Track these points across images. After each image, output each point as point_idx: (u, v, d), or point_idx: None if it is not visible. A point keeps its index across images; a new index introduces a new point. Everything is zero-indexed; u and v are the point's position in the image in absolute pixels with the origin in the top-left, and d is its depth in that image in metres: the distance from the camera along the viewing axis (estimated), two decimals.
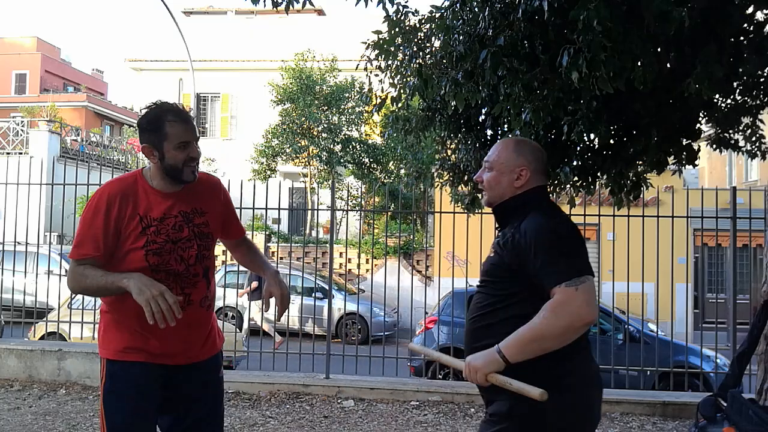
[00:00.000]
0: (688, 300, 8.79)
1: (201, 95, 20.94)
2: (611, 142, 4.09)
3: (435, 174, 6.03)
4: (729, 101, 4.17)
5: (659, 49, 3.38)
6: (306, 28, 20.41)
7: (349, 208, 13.97)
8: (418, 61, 4.01)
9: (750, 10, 3.48)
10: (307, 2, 3.66)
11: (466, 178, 4.90)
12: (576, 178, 4.47)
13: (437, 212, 7.50)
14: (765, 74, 3.88)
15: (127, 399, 2.12)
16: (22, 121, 18.12)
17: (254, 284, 10.48)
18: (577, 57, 2.83)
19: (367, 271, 14.64)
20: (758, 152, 4.79)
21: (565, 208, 2.99)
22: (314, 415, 5.01)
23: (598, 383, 1.99)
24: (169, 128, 2.10)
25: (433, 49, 4.06)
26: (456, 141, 4.89)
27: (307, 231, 17.60)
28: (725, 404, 2.38)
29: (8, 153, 16.46)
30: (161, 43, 21.30)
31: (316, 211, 13.27)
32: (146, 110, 2.16)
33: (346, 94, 17.45)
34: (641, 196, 4.72)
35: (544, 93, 3.34)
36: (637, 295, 6.97)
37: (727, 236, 5.98)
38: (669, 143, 4.12)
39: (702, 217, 5.79)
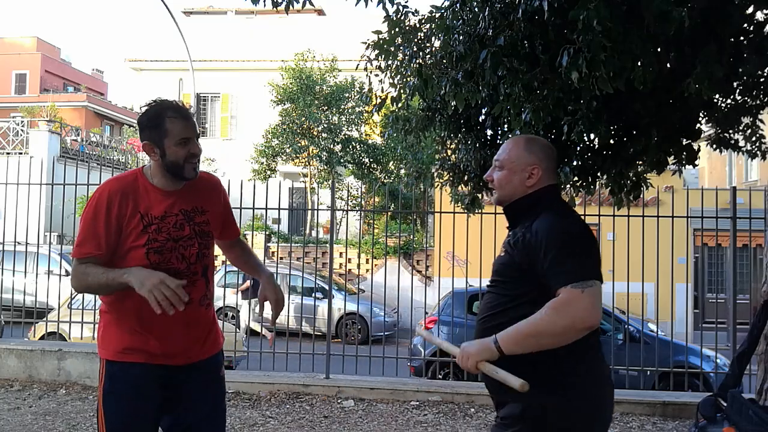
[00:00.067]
0: (688, 300, 8.80)
1: (201, 95, 20.95)
2: (611, 142, 4.09)
3: (435, 174, 6.03)
4: (729, 101, 4.17)
5: (659, 49, 3.38)
6: (306, 28, 20.41)
7: (349, 208, 13.97)
8: (418, 61, 4.01)
9: (750, 10, 3.48)
10: (307, 2, 3.66)
11: (466, 178, 4.90)
12: (576, 178, 4.47)
13: (437, 212, 7.50)
14: (765, 74, 3.88)
15: (126, 400, 2.12)
16: (22, 121, 18.12)
17: (247, 283, 10.49)
18: (577, 57, 2.84)
19: (367, 271, 14.64)
20: (758, 152, 4.79)
21: None
22: (314, 415, 5.01)
23: (610, 383, 1.97)
24: (170, 125, 2.10)
25: (433, 49, 4.06)
26: (456, 141, 4.89)
27: (307, 231, 17.60)
28: (725, 404, 2.38)
29: (8, 153, 16.46)
30: (161, 43, 21.30)
31: (316, 211, 13.28)
32: (146, 107, 2.16)
33: (346, 94, 17.45)
34: (641, 196, 4.72)
35: (544, 93, 3.35)
36: (637, 295, 6.97)
37: (727, 236, 5.97)
38: (669, 143, 4.12)
39: (702, 217, 5.79)
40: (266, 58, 20.45)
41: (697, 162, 4.39)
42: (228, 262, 11.33)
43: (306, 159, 17.60)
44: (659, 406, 5.24)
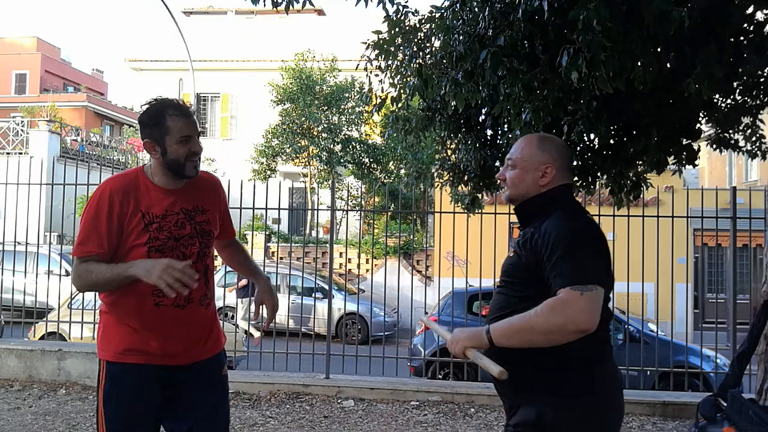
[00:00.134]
0: (688, 300, 8.79)
1: (201, 95, 20.94)
2: (611, 142, 4.09)
3: (435, 174, 6.03)
4: (729, 101, 4.17)
5: (659, 49, 3.38)
6: (306, 28, 20.41)
7: (349, 208, 13.97)
8: (418, 61, 4.01)
9: (750, 10, 3.48)
10: (307, 2, 3.66)
11: (466, 178, 4.90)
12: (576, 178, 4.47)
13: (437, 212, 7.50)
14: (765, 74, 3.88)
15: (127, 401, 2.11)
16: (22, 121, 18.12)
17: (242, 282, 10.50)
18: (576, 57, 2.84)
19: (367, 271, 14.64)
20: (758, 152, 4.79)
21: None
22: (314, 415, 5.01)
23: (622, 388, 1.97)
24: (171, 122, 2.10)
25: (433, 49, 4.06)
26: (456, 141, 4.89)
27: (307, 231, 17.60)
28: (725, 404, 2.38)
29: (8, 153, 16.46)
30: (161, 43, 21.30)
31: (316, 211, 13.27)
32: (147, 106, 2.16)
33: (346, 94, 17.45)
34: (641, 196, 4.72)
35: (544, 93, 3.35)
36: (637, 295, 6.97)
37: (727, 236, 5.97)
38: (669, 143, 4.12)
39: (702, 217, 5.79)
40: (266, 58, 20.44)
41: (697, 162, 4.39)
42: None
43: (306, 159, 17.60)
44: (659, 406, 5.24)
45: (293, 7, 3.67)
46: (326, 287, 7.89)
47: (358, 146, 17.67)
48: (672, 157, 4.31)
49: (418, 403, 5.34)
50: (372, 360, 6.02)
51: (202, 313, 2.22)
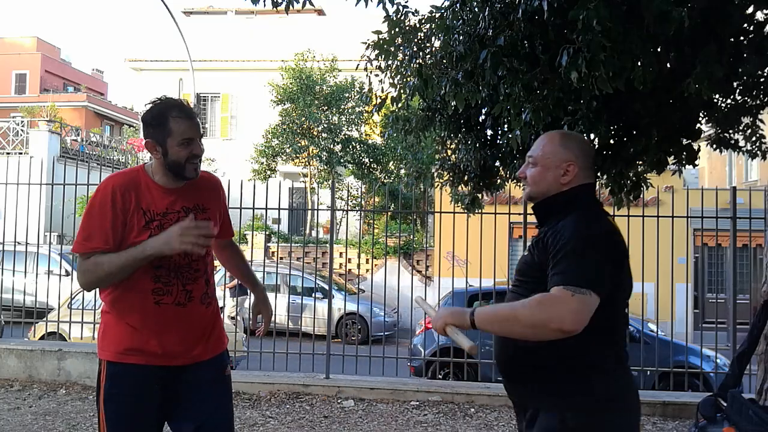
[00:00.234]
0: (688, 300, 8.80)
1: (201, 95, 20.94)
2: (611, 142, 4.09)
3: (435, 174, 6.03)
4: (729, 101, 4.17)
5: (659, 49, 3.38)
6: (306, 28, 20.41)
7: (349, 208, 13.97)
8: (418, 61, 4.01)
9: (750, 10, 3.48)
10: (307, 2, 3.66)
11: (466, 178, 4.90)
12: None
13: (437, 212, 7.50)
14: (765, 74, 3.88)
15: (127, 402, 2.11)
16: (22, 121, 18.13)
17: (234, 281, 10.53)
18: (576, 57, 2.84)
19: (367, 271, 14.63)
20: (758, 152, 4.79)
21: None
22: (314, 415, 5.01)
23: (637, 387, 1.96)
24: (173, 124, 2.10)
25: (433, 49, 4.06)
26: (456, 141, 4.89)
27: (307, 231, 17.60)
28: (725, 404, 2.38)
29: (8, 153, 16.47)
30: (161, 43, 21.30)
31: (316, 211, 13.28)
32: (151, 105, 2.16)
33: (346, 94, 17.45)
34: (641, 196, 4.72)
35: (544, 93, 3.35)
36: (637, 295, 6.88)
37: (727, 236, 5.97)
38: (669, 143, 4.12)
39: (702, 217, 5.79)
40: (266, 58, 20.44)
41: (697, 162, 4.39)
42: None
43: (306, 159, 17.60)
44: (659, 406, 5.24)
45: (293, 7, 3.66)
46: (326, 287, 7.89)
47: (358, 146, 17.67)
48: (672, 157, 4.31)
49: (418, 403, 5.34)
50: (372, 360, 6.02)
51: (203, 312, 2.22)
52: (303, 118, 17.14)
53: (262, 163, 17.67)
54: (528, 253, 1.93)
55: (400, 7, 4.00)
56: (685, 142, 4.26)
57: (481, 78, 3.50)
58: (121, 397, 2.11)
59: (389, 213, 10.85)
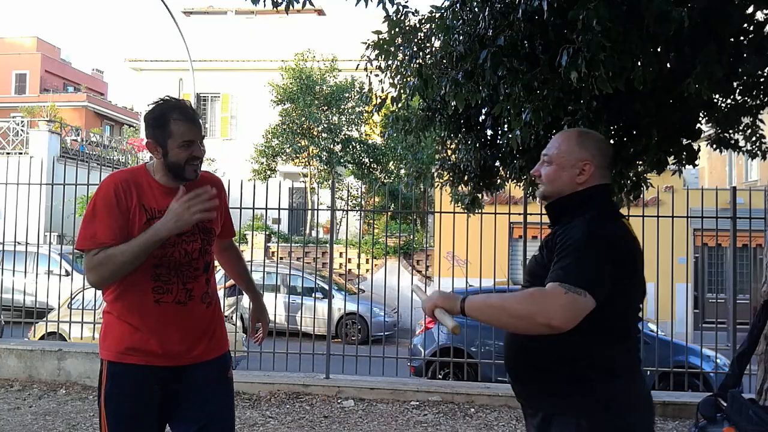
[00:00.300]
0: (688, 300, 8.80)
1: (201, 95, 20.94)
2: (611, 142, 4.09)
3: (435, 174, 6.03)
4: (729, 101, 4.17)
5: (659, 49, 3.38)
6: (306, 28, 20.41)
7: (349, 208, 13.97)
8: (418, 61, 4.01)
9: (750, 10, 3.48)
10: (307, 2, 3.66)
11: (466, 178, 4.90)
12: None
13: (437, 212, 7.50)
14: (765, 74, 3.88)
15: (128, 401, 2.11)
16: (22, 121, 18.13)
17: (230, 282, 10.53)
18: (576, 57, 2.84)
19: (367, 271, 14.63)
20: (758, 152, 4.79)
21: None
22: (314, 415, 5.01)
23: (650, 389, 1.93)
24: (174, 126, 2.10)
25: (433, 49, 4.06)
26: (456, 141, 4.89)
27: (307, 231, 17.60)
28: (725, 404, 2.38)
29: (8, 153, 16.47)
30: (161, 43, 21.29)
31: (316, 211, 13.28)
32: (153, 105, 2.17)
33: (346, 94, 17.45)
34: (641, 196, 4.72)
35: (544, 93, 3.35)
36: None
37: (727, 236, 5.97)
38: (669, 143, 4.12)
39: (702, 217, 5.79)
40: (266, 58, 20.44)
41: (697, 162, 4.39)
42: None
43: (306, 159, 17.60)
44: (659, 406, 5.24)
45: (293, 7, 3.67)
46: (326, 287, 7.89)
47: (358, 146, 17.67)
48: (672, 157, 4.31)
49: (418, 403, 5.34)
50: (372, 360, 6.02)
51: (203, 311, 2.22)
52: (303, 118, 17.14)
53: (262, 163, 17.67)
54: (538, 253, 1.91)
55: (400, 7, 4.00)
56: (685, 142, 4.26)
57: (481, 78, 3.50)
58: (122, 397, 2.11)
59: (389, 213, 10.85)
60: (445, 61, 3.80)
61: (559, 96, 3.32)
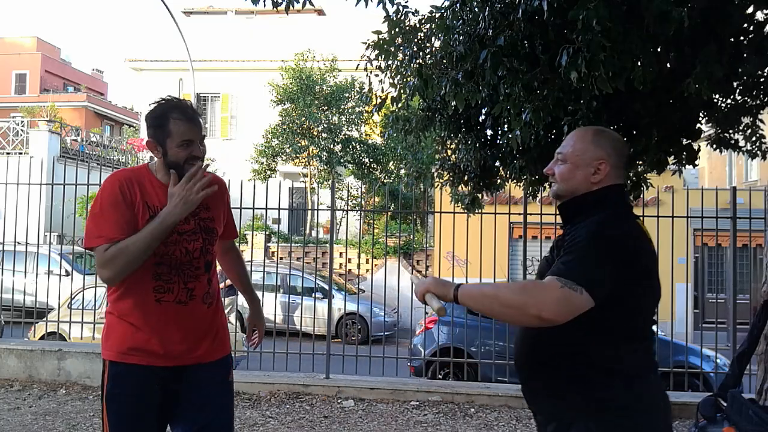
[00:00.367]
0: (688, 300, 8.79)
1: (201, 95, 20.94)
2: None
3: (435, 174, 6.03)
4: (729, 101, 4.17)
5: (659, 49, 3.38)
6: (306, 28, 20.41)
7: (349, 208, 13.97)
8: (418, 61, 4.02)
9: (750, 10, 3.49)
10: (307, 2, 3.66)
11: (466, 178, 4.90)
12: None
13: (437, 212, 7.50)
14: (765, 74, 3.89)
15: (130, 401, 2.11)
16: (22, 121, 18.13)
17: (228, 282, 10.54)
18: (576, 57, 2.84)
19: (367, 271, 14.64)
20: (758, 152, 4.79)
21: None
22: (314, 415, 5.01)
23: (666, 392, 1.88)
24: (173, 126, 2.11)
25: (433, 49, 4.07)
26: (456, 141, 4.89)
27: (307, 231, 17.60)
28: (725, 404, 2.38)
29: (8, 153, 16.47)
30: (161, 43, 21.29)
31: (316, 211, 13.27)
32: (154, 105, 2.17)
33: (346, 94, 17.45)
34: (641, 196, 4.72)
35: (544, 93, 3.35)
36: None
37: (727, 236, 5.98)
38: (669, 143, 4.12)
39: (702, 217, 5.79)
40: (266, 58, 20.44)
41: (697, 162, 4.40)
42: None
43: (306, 159, 17.60)
44: None
45: (293, 7, 3.67)
46: (326, 287, 7.89)
47: (358, 146, 17.67)
48: (672, 157, 4.31)
49: (418, 403, 5.34)
50: (372, 360, 6.02)
51: (204, 311, 2.21)
52: (303, 118, 17.14)
53: (262, 163, 17.67)
54: (549, 254, 1.90)
55: (400, 7, 4.00)
56: (685, 142, 4.26)
57: (481, 78, 3.51)
58: (123, 397, 2.11)
59: (389, 213, 10.85)
60: (445, 61, 3.80)
61: (559, 96, 3.33)
